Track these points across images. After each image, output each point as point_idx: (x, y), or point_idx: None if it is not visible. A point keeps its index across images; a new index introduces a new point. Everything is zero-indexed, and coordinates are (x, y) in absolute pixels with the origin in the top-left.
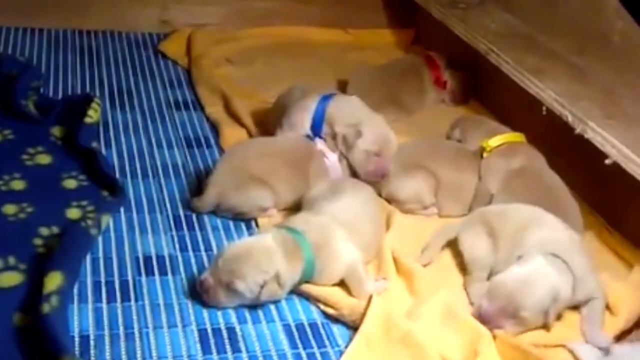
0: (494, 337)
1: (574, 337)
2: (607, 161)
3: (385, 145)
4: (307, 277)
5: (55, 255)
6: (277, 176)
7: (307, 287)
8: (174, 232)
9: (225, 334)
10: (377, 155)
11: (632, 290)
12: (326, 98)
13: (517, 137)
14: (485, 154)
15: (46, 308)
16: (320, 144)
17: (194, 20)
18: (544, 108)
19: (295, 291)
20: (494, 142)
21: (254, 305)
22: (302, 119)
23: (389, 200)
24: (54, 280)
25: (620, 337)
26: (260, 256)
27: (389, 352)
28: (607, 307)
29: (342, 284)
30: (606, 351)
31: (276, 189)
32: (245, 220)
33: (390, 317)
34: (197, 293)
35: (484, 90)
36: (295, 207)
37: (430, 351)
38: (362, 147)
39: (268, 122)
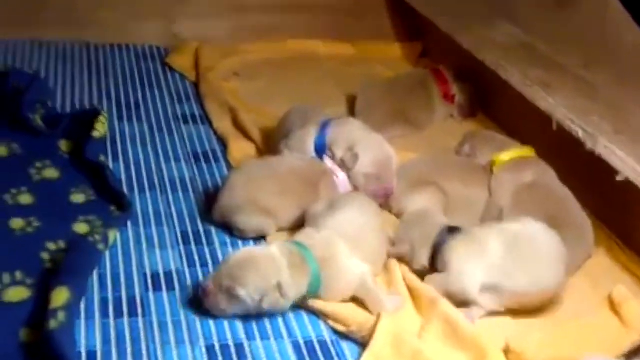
0: (505, 352)
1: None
2: (618, 177)
3: (383, 167)
4: (314, 292)
5: (62, 270)
6: (284, 200)
7: (316, 303)
8: (181, 247)
9: (233, 350)
10: (376, 178)
11: None
12: (326, 125)
13: (527, 151)
14: (495, 169)
15: (53, 324)
16: (329, 163)
17: (201, 34)
18: (554, 123)
19: (304, 307)
20: (504, 156)
21: (262, 321)
22: (304, 148)
23: (397, 215)
24: (60, 296)
25: (635, 353)
26: (264, 264)
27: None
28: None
29: (351, 299)
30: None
31: (281, 216)
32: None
33: (399, 335)
34: (206, 309)
35: (492, 104)
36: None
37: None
38: (360, 170)
39: (272, 143)
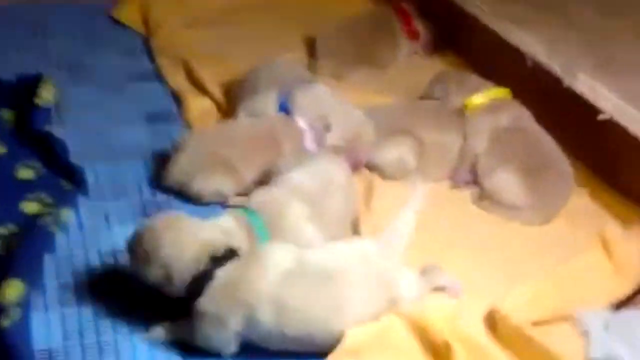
0: (493, 318)
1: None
2: (600, 117)
3: (354, 140)
4: None
5: (14, 260)
6: (246, 163)
7: None
8: (141, 221)
9: None
10: (345, 150)
11: (637, 251)
12: (291, 90)
13: (503, 93)
14: (469, 113)
15: (5, 322)
16: (301, 122)
17: None
18: (527, 59)
19: None
20: (478, 99)
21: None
22: (266, 113)
23: (369, 168)
24: (13, 290)
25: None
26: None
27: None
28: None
29: None
30: None
31: (243, 176)
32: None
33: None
34: None
35: (463, 41)
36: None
37: (410, 346)
38: (330, 142)
39: (232, 98)
